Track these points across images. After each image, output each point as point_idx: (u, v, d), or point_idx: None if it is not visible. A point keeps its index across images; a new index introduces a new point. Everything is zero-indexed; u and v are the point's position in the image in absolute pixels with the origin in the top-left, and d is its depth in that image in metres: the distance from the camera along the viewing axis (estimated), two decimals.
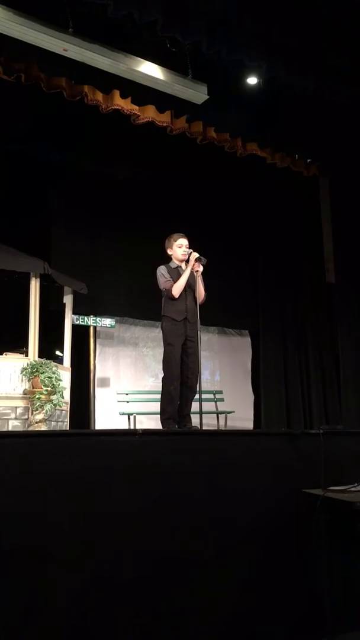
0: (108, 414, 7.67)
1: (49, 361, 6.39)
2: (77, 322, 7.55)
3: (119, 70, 5.54)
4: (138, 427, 7.15)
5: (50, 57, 5.33)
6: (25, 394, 6.19)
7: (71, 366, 7.16)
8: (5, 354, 6.40)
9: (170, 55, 5.61)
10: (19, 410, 6.15)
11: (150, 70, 5.60)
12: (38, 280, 6.64)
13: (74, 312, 7.45)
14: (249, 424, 8.73)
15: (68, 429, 6.62)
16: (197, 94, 5.89)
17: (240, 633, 2.89)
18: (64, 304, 7.32)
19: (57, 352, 7.47)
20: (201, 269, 4.92)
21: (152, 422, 6.89)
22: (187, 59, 5.67)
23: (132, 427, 7.17)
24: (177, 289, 4.82)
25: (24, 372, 6.22)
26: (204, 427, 4.79)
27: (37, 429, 5.92)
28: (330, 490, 2.99)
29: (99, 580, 2.60)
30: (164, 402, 4.78)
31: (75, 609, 2.53)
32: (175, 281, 4.86)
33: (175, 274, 4.94)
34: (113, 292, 8.05)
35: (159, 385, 5.08)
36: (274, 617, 2.99)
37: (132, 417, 7.34)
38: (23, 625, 2.39)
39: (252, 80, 6.16)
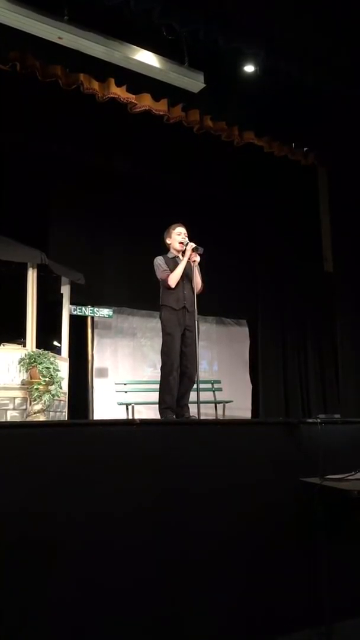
0: (106, 404, 7.69)
1: (46, 352, 6.39)
2: (75, 313, 7.55)
3: (114, 58, 5.50)
4: (136, 417, 7.16)
5: (45, 46, 5.28)
6: (23, 384, 6.20)
7: (69, 356, 7.17)
8: (3, 345, 6.41)
9: (166, 43, 5.57)
10: (17, 401, 6.16)
11: (145, 58, 5.55)
12: (35, 270, 6.63)
13: (72, 303, 7.44)
14: (247, 414, 8.76)
15: (66, 419, 6.64)
16: (193, 82, 5.84)
17: (240, 623, 2.91)
18: (62, 295, 7.32)
19: (55, 343, 7.47)
20: (198, 258, 4.91)
21: (151, 412, 6.90)
22: (184, 46, 5.63)
23: (130, 417, 7.19)
24: (174, 278, 4.82)
25: (21, 363, 6.23)
26: (202, 417, 4.80)
27: (35, 420, 5.93)
28: (327, 479, 3.00)
29: (97, 575, 2.60)
30: (163, 392, 4.78)
31: (75, 606, 2.53)
32: (172, 271, 4.86)
33: (173, 263, 4.93)
34: (111, 282, 8.05)
35: (157, 375, 5.08)
36: (274, 606, 3.01)
37: (130, 407, 7.35)
38: (22, 625, 2.39)
39: (249, 69, 6.12)
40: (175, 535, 2.81)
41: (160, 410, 4.78)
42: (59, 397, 6.41)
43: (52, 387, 6.18)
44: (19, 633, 2.37)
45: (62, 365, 6.67)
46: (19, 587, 2.41)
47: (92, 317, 7.95)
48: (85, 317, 7.86)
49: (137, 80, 5.95)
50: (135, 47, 5.50)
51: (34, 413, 6.08)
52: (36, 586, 2.45)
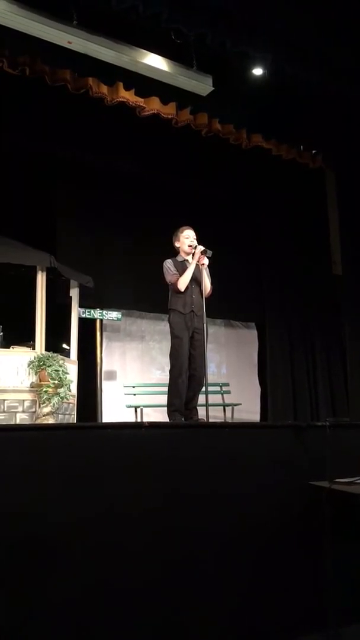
0: (115, 407, 7.69)
1: (55, 354, 6.40)
2: (84, 316, 7.56)
3: (123, 62, 5.54)
4: (145, 419, 7.17)
5: (54, 50, 5.32)
6: (32, 387, 6.22)
7: (78, 359, 7.18)
8: (13, 348, 6.43)
9: (175, 47, 5.59)
10: (27, 404, 6.18)
11: (154, 62, 5.59)
12: (44, 274, 6.65)
13: (81, 306, 7.46)
14: (255, 417, 8.74)
15: (75, 421, 6.64)
16: (201, 85, 5.88)
17: (245, 627, 2.90)
18: (71, 298, 7.33)
19: (64, 346, 7.49)
20: (207, 261, 4.92)
21: (159, 415, 6.89)
22: (192, 50, 5.66)
23: (138, 420, 7.19)
24: (183, 282, 4.83)
25: (31, 366, 6.25)
26: (210, 420, 4.80)
27: (44, 422, 5.95)
28: (336, 482, 2.99)
29: (103, 577, 2.61)
30: (172, 394, 4.79)
31: (78, 609, 2.53)
32: (181, 274, 4.87)
33: (181, 267, 4.94)
34: (119, 285, 8.05)
35: (165, 378, 5.09)
36: (279, 610, 3.00)
37: (138, 410, 7.36)
38: (24, 626, 2.40)
39: (257, 72, 6.12)
40: (182, 537, 2.81)
41: (169, 412, 4.79)
42: (67, 399, 6.43)
43: (61, 390, 6.19)
44: (19, 634, 2.38)
45: (71, 368, 6.68)
46: (23, 589, 2.42)
47: (101, 320, 7.96)
48: (94, 320, 7.87)
49: (145, 83, 5.99)
50: (144, 50, 5.54)
51: (43, 415, 6.09)
52: (41, 588, 2.46)
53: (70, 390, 6.48)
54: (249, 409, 8.57)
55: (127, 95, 6.30)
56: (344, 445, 3.36)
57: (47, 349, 6.49)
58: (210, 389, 5.10)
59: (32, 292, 6.61)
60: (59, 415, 6.34)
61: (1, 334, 6.52)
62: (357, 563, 3.12)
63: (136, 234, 8.14)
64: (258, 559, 3.00)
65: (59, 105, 6.60)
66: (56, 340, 7.25)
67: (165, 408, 4.88)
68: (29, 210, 7.43)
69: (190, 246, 4.97)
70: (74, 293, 7.34)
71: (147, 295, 7.72)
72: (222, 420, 7.62)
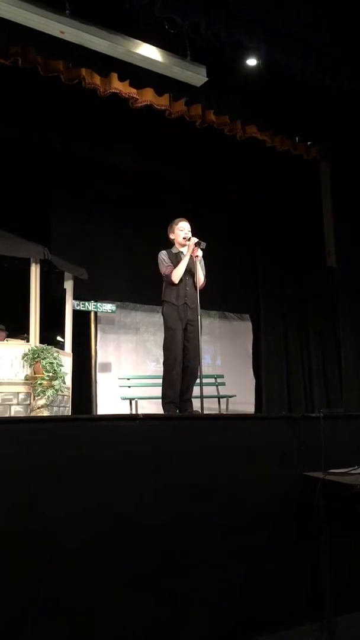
0: (110, 399, 7.69)
1: (50, 347, 6.40)
2: (78, 308, 7.54)
3: (116, 53, 5.49)
4: (140, 411, 7.17)
5: (47, 40, 5.27)
6: (27, 379, 6.21)
7: (72, 352, 7.17)
8: (7, 340, 6.42)
9: (168, 37, 5.55)
10: (21, 396, 6.17)
11: (148, 52, 5.54)
12: (38, 266, 6.63)
13: (75, 298, 7.44)
14: (250, 408, 8.76)
15: (70, 414, 6.65)
16: (195, 76, 5.83)
17: (242, 617, 2.92)
18: (65, 290, 7.32)
19: (58, 338, 7.48)
20: (200, 253, 4.92)
21: (154, 407, 6.91)
22: (186, 40, 5.62)
23: (133, 412, 7.20)
24: (177, 274, 4.83)
25: (25, 358, 6.24)
26: (205, 412, 4.81)
27: (39, 415, 5.95)
28: (330, 473, 3.01)
29: (99, 571, 2.61)
30: (166, 386, 4.80)
31: (76, 602, 2.53)
32: (175, 266, 4.86)
33: (176, 259, 4.94)
34: (113, 277, 8.03)
35: (160, 370, 5.09)
36: (276, 600, 3.02)
37: (133, 402, 7.36)
38: (22, 623, 2.40)
39: (251, 62, 6.09)
40: (178, 529, 2.82)
41: (164, 404, 4.80)
42: (62, 392, 6.42)
43: (55, 382, 6.19)
44: (18, 632, 2.38)
45: (65, 360, 6.68)
46: (20, 583, 2.42)
47: (95, 312, 7.95)
48: (88, 312, 7.86)
49: (138, 74, 5.94)
50: (138, 41, 5.48)
51: (38, 408, 6.09)
52: (37, 582, 2.46)
53: (64, 383, 6.47)
54: (243, 401, 8.59)
55: (120, 87, 6.25)
56: (338, 436, 3.38)
57: (41, 342, 6.48)
58: (204, 380, 5.11)
59: (26, 285, 6.59)
60: (54, 408, 6.33)
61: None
62: (352, 553, 3.14)
63: (130, 226, 8.12)
64: (254, 549, 3.01)
65: (52, 96, 6.55)
66: (50, 333, 7.24)
67: (160, 400, 4.88)
68: (22, 202, 7.39)
69: (184, 238, 4.97)
70: (68, 285, 7.32)
71: (142, 287, 7.70)
72: (217, 412, 7.63)
